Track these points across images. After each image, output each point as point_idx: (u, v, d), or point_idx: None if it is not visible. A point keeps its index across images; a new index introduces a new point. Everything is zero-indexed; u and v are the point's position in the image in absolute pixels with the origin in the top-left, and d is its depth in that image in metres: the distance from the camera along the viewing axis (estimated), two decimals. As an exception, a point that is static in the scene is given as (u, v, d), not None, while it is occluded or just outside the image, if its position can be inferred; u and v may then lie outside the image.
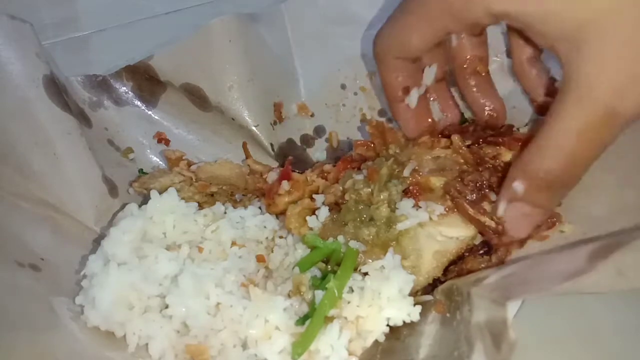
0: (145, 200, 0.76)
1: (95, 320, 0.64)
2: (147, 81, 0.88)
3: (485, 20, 0.58)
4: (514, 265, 0.63)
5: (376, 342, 0.65)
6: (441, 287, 0.67)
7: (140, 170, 0.86)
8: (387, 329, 0.65)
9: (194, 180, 0.81)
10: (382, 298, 0.64)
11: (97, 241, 0.72)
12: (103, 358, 0.62)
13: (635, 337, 0.62)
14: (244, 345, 0.64)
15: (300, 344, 0.62)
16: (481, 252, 0.71)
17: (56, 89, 0.76)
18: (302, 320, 0.64)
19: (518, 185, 0.61)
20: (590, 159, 0.57)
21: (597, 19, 0.49)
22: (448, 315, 0.62)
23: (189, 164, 0.84)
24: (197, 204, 0.77)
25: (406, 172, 0.73)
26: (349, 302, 0.65)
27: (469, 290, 0.60)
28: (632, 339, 0.62)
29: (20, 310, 0.59)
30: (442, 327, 0.62)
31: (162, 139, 0.89)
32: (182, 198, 0.76)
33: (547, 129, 0.56)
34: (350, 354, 0.64)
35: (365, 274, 0.67)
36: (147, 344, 0.64)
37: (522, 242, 0.69)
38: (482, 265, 0.69)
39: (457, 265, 0.71)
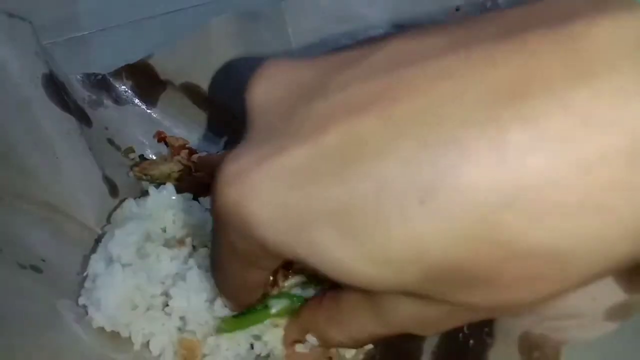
0: (143, 193, 0.75)
1: (100, 321, 0.64)
2: (146, 80, 0.87)
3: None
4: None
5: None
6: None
7: (141, 156, 0.85)
8: None
9: (194, 170, 0.80)
10: None
11: (98, 241, 0.72)
12: None
13: (635, 337, 0.63)
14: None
15: (232, 324, 0.58)
16: None
17: (55, 88, 0.75)
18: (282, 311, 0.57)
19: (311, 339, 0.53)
20: None
21: None
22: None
23: (191, 153, 0.83)
24: (192, 196, 0.75)
25: None
26: None
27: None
28: (632, 339, 0.62)
29: (24, 312, 0.58)
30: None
31: (162, 138, 0.89)
32: (180, 188, 0.74)
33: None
34: None
35: None
36: (148, 341, 0.64)
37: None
38: None
39: None
